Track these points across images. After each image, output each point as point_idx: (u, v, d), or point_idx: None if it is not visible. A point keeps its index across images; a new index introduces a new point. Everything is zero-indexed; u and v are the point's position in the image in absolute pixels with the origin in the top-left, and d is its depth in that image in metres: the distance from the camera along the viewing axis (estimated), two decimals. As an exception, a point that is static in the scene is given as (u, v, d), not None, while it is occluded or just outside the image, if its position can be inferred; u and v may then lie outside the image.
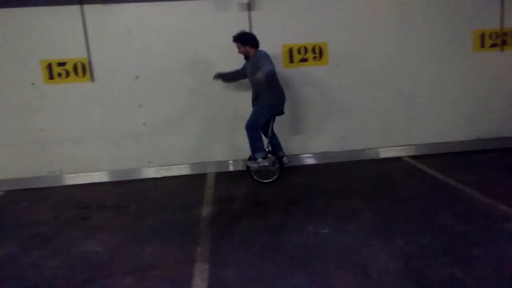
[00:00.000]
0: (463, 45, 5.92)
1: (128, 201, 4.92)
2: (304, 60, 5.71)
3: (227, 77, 5.40)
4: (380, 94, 5.93)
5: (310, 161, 5.99)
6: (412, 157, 6.00)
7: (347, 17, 5.70)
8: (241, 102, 5.70)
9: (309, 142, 5.97)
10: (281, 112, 5.19)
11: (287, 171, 5.63)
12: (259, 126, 5.02)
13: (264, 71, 4.50)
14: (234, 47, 5.49)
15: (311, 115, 5.89)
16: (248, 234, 3.82)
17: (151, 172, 5.80)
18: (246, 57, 5.03)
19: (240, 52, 4.99)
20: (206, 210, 4.46)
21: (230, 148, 5.85)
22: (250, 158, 5.21)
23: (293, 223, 4.00)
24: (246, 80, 5.62)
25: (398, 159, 5.99)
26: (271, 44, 5.58)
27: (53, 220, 4.47)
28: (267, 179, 5.23)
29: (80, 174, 5.69)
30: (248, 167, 5.24)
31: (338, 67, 5.79)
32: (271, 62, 4.77)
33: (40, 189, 5.54)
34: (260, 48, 5.03)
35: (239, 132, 5.76)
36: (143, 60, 5.51)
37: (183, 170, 5.82)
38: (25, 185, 5.57)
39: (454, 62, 5.94)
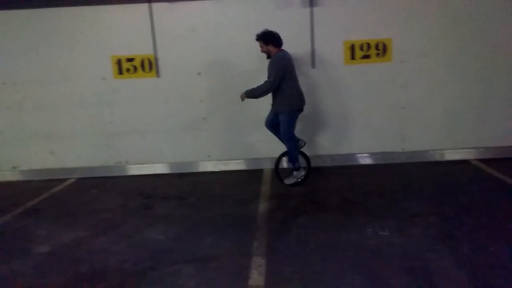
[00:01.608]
0: (544, 41, 5.48)
1: (188, 193, 5.09)
2: (366, 57, 5.57)
3: None
4: (447, 92, 5.65)
5: (368, 161, 5.85)
6: (481, 160, 5.66)
7: (413, 12, 5.47)
8: (300, 99, 5.69)
9: (369, 141, 5.82)
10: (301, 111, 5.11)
11: (347, 171, 5.55)
12: (293, 132, 4.94)
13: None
14: (294, 43, 5.51)
15: (371, 114, 5.74)
16: (305, 232, 3.81)
17: (209, 166, 5.95)
18: (268, 57, 4.88)
19: (262, 51, 4.87)
20: (263, 206, 4.51)
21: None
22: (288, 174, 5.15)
23: (351, 223, 3.93)
24: (306, 79, 5.61)
25: (464, 162, 5.68)
26: (332, 40, 5.53)
27: (119, 207, 4.74)
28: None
29: (144, 165, 5.97)
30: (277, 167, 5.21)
31: (402, 64, 5.59)
32: (279, 71, 4.61)
33: (107, 178, 5.88)
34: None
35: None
36: (206, 57, 5.65)
37: (240, 165, 5.91)
38: (94, 174, 5.94)
39: (532, 59, 5.52)
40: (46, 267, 3.42)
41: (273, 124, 5.03)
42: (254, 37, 4.82)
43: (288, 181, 5.09)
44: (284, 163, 5.43)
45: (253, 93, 4.76)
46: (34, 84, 5.76)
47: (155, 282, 3.10)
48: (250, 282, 3.03)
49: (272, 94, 4.88)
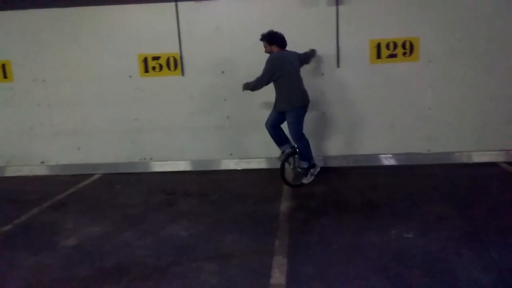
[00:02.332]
0: None
1: (210, 190, 5.13)
2: (392, 56, 5.48)
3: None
4: (476, 93, 5.50)
5: (392, 162, 5.75)
6: (510, 163, 5.48)
7: (442, 10, 5.35)
8: (323, 98, 5.65)
9: (393, 142, 5.72)
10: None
11: (370, 172, 5.48)
12: (302, 132, 4.89)
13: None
14: (319, 42, 5.48)
15: (396, 114, 5.65)
16: (327, 232, 3.78)
17: (231, 164, 5.98)
18: None
19: (266, 51, 4.87)
20: (284, 205, 4.50)
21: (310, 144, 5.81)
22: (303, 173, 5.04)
23: (375, 225, 3.88)
24: (330, 78, 5.58)
25: (493, 164, 5.52)
26: (358, 39, 5.47)
27: (143, 203, 4.81)
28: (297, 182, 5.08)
29: (167, 162, 6.05)
30: (297, 182, 5.05)
31: (430, 64, 5.47)
32: (269, 71, 4.65)
33: (131, 174, 5.99)
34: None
35: (319, 128, 5.74)
36: (230, 55, 5.68)
37: (262, 163, 5.91)
38: (119, 170, 6.05)
39: None
40: (72, 260, 3.51)
41: (274, 125, 5.00)
42: (259, 37, 4.85)
43: (306, 180, 5.01)
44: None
45: (248, 86, 4.88)
46: (63, 82, 5.91)
47: (177, 278, 3.14)
48: (272, 281, 3.03)
49: (275, 93, 4.88)
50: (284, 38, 4.83)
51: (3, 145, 6.16)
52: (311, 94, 5.63)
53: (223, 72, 5.73)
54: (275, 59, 4.71)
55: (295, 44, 5.52)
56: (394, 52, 5.47)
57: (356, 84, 5.60)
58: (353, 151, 5.79)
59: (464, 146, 5.64)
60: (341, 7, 5.41)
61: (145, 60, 5.77)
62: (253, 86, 4.82)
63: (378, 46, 5.47)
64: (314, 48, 5.39)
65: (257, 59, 5.60)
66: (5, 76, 5.97)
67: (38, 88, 5.96)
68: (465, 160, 5.63)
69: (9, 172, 6.20)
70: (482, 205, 4.21)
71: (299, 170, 5.04)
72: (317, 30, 5.47)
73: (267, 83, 4.78)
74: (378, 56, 5.50)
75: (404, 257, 3.25)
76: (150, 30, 5.69)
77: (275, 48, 4.80)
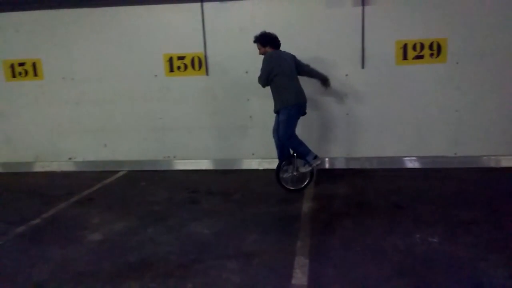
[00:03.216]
0: None
1: (233, 189, 5.16)
2: (419, 57, 5.39)
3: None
4: (505, 95, 5.35)
5: (417, 164, 5.66)
6: (541, 168, 5.33)
7: (470, 10, 5.23)
8: (347, 99, 5.62)
9: (419, 144, 5.62)
10: (303, 113, 4.95)
11: (394, 174, 5.41)
12: (293, 131, 4.80)
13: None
14: (343, 42, 5.45)
15: (422, 116, 5.55)
16: (349, 234, 3.75)
17: (254, 164, 6.00)
18: None
19: (260, 53, 4.87)
20: (306, 205, 4.49)
21: (332, 145, 5.79)
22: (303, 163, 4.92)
23: (399, 228, 3.83)
24: (354, 79, 5.54)
25: (523, 169, 5.37)
26: (384, 40, 5.40)
27: (166, 200, 4.89)
28: (300, 185, 4.96)
29: (190, 160, 6.12)
30: (297, 174, 4.92)
31: (458, 65, 5.36)
32: (265, 70, 4.67)
33: (155, 171, 6.08)
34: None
35: (342, 129, 5.70)
36: (254, 56, 5.64)
37: (284, 164, 5.91)
38: (143, 167, 6.16)
39: None
40: (98, 254, 3.60)
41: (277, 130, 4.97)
42: (253, 39, 4.87)
43: (304, 169, 4.89)
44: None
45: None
46: (92, 80, 6.06)
47: (200, 275, 3.18)
48: (294, 281, 3.03)
49: (272, 95, 4.86)
50: (278, 39, 4.84)
51: (32, 141, 6.36)
52: (333, 95, 5.64)
53: (246, 72, 5.75)
54: (271, 57, 4.73)
55: (320, 45, 5.54)
56: (421, 53, 5.38)
57: (381, 86, 5.54)
58: (376, 153, 5.72)
59: (492, 150, 5.50)
60: (367, 8, 5.36)
61: (170, 60, 5.85)
62: (259, 82, 4.83)
63: (405, 47, 5.39)
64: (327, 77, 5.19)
65: (281, 59, 5.65)
66: (35, 74, 6.16)
67: (67, 86, 6.13)
68: (493, 164, 5.49)
69: (38, 168, 6.40)
70: (510, 210, 4.10)
71: (295, 174, 4.93)
72: (342, 31, 5.43)
73: (266, 81, 4.74)
74: (404, 57, 5.42)
75: (428, 262, 3.20)
76: (176, 30, 5.77)
77: (269, 49, 4.82)
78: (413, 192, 4.76)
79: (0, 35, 6.08)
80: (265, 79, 4.74)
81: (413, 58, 5.41)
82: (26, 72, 6.15)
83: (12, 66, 6.15)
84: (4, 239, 3.97)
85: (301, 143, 4.84)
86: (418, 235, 3.65)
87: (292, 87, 4.76)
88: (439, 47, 5.35)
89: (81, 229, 4.14)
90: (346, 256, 3.36)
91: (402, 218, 4.05)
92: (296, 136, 4.83)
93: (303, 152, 4.82)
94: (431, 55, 5.37)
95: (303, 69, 5.02)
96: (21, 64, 6.13)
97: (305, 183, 4.94)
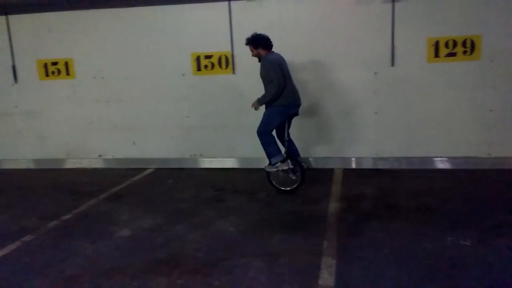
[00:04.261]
0: None
1: (258, 188, 5.14)
2: (451, 54, 5.23)
3: None
4: (544, 94, 5.14)
5: (448, 165, 5.49)
6: None
7: (505, 5, 5.04)
8: (375, 98, 5.52)
9: (450, 144, 5.46)
10: (295, 114, 4.86)
11: (424, 175, 5.28)
12: (271, 130, 4.75)
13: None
14: (372, 40, 5.35)
15: (454, 115, 5.38)
16: (377, 236, 3.68)
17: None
18: (260, 60, 4.78)
19: (253, 55, 4.81)
20: (333, 206, 4.43)
21: (359, 145, 5.70)
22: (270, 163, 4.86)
23: (429, 230, 3.73)
24: (383, 77, 5.44)
25: (561, 171, 5.14)
26: (415, 37, 5.28)
27: (193, 198, 4.93)
28: (288, 187, 4.90)
29: (216, 158, 6.15)
30: (267, 172, 4.91)
31: (492, 63, 5.17)
32: (276, 71, 4.53)
33: (182, 169, 6.14)
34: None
35: (370, 128, 5.61)
36: (281, 54, 5.64)
37: (311, 163, 5.85)
38: (170, 165, 6.23)
39: None
40: (127, 250, 3.66)
41: (280, 133, 4.90)
42: (244, 41, 4.83)
43: (268, 168, 4.83)
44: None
45: (265, 99, 4.70)
46: (121, 79, 6.18)
47: (226, 273, 3.19)
48: (320, 282, 3.00)
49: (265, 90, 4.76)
50: (269, 40, 4.77)
51: (64, 138, 6.54)
52: (362, 93, 5.55)
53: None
54: (271, 58, 4.65)
55: (348, 43, 5.46)
56: (454, 51, 5.22)
57: (412, 84, 5.41)
58: (406, 153, 5.59)
59: (528, 151, 5.29)
60: (397, 4, 5.24)
61: (198, 59, 5.90)
62: (272, 94, 4.59)
63: (436, 44, 5.24)
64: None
65: (309, 58, 5.62)
66: (68, 73, 6.33)
67: (97, 85, 6.27)
68: (529, 165, 5.29)
69: (70, 164, 6.57)
70: (549, 214, 3.94)
71: (281, 174, 4.87)
72: (371, 28, 5.33)
73: (283, 83, 4.58)
74: (436, 54, 5.27)
75: (459, 265, 3.11)
76: (203, 29, 5.81)
77: (261, 51, 4.75)
78: (444, 193, 4.63)
79: (34, 35, 6.28)
80: (282, 81, 4.57)
81: (445, 56, 5.25)
82: (59, 71, 6.33)
83: (45, 65, 6.34)
84: (36, 234, 4.10)
85: (272, 143, 4.76)
86: (449, 238, 3.55)
87: (288, 88, 4.69)
88: (472, 44, 5.18)
89: (110, 224, 4.23)
90: (375, 258, 3.30)
91: (432, 220, 3.95)
92: (271, 136, 4.77)
93: (271, 152, 4.75)
94: (464, 52, 5.21)
95: None
96: (54, 64, 6.32)
97: (294, 186, 4.87)
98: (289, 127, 4.88)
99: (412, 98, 5.45)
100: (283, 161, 4.75)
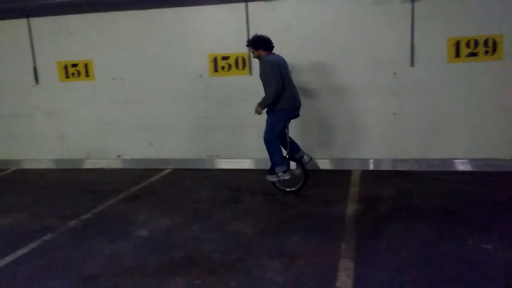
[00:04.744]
0: None
1: (275, 189, 5.11)
2: (473, 54, 5.13)
3: None
4: None
5: (469, 167, 5.38)
6: None
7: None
8: (395, 98, 5.44)
9: (471, 146, 5.35)
10: (296, 116, 4.81)
11: (444, 177, 5.19)
12: (277, 137, 4.70)
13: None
14: (391, 39, 5.30)
15: (475, 116, 5.28)
16: (396, 238, 3.63)
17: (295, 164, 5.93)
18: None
19: (254, 57, 4.77)
20: (351, 207, 4.39)
21: (378, 146, 5.63)
22: (270, 171, 4.84)
23: (449, 233, 3.66)
24: (402, 77, 5.37)
25: None
26: (435, 36, 5.20)
27: (210, 199, 4.94)
28: (293, 187, 4.88)
29: (233, 159, 6.16)
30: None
31: (515, 63, 5.06)
32: (273, 72, 4.47)
33: (199, 170, 6.17)
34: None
35: (389, 129, 5.54)
36: (298, 55, 5.63)
37: (327, 164, 5.82)
38: (187, 165, 6.26)
39: None
40: (145, 250, 3.69)
41: (281, 135, 4.83)
42: (245, 43, 4.83)
43: (270, 177, 4.83)
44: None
45: (266, 102, 4.63)
46: (140, 80, 6.24)
47: (243, 274, 3.18)
48: (338, 284, 2.97)
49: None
50: (270, 41, 4.72)
51: (84, 139, 6.64)
52: (380, 93, 5.49)
53: (291, 71, 5.68)
54: (269, 60, 4.59)
55: (367, 43, 5.41)
56: (475, 51, 5.12)
57: (432, 84, 5.32)
58: (426, 154, 5.50)
59: (553, 153, 5.15)
60: (417, 3, 5.16)
61: (215, 60, 5.92)
62: (271, 95, 4.54)
63: (457, 44, 5.15)
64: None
65: (326, 59, 5.59)
66: (87, 75, 6.43)
67: (116, 86, 6.35)
68: (553, 168, 5.14)
69: (89, 165, 6.67)
70: None
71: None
72: (390, 28, 5.27)
73: (281, 81, 4.53)
74: (457, 54, 5.17)
75: (481, 269, 3.04)
76: (220, 30, 5.83)
77: (262, 52, 4.71)
78: (465, 196, 4.54)
79: (54, 37, 6.40)
80: (280, 83, 4.52)
81: (466, 56, 5.16)
82: (79, 73, 6.44)
83: (65, 67, 6.45)
84: (57, 233, 4.17)
85: (277, 152, 4.74)
86: (470, 241, 3.47)
87: (287, 91, 4.65)
88: (494, 44, 5.06)
89: (129, 224, 4.27)
90: (393, 261, 3.25)
91: (453, 223, 3.87)
92: (277, 144, 4.75)
93: (276, 161, 4.73)
94: (486, 52, 5.10)
95: None
96: (74, 65, 6.42)
97: (300, 185, 4.87)
98: (287, 129, 4.85)
99: (432, 99, 5.36)
100: (285, 171, 4.75)
